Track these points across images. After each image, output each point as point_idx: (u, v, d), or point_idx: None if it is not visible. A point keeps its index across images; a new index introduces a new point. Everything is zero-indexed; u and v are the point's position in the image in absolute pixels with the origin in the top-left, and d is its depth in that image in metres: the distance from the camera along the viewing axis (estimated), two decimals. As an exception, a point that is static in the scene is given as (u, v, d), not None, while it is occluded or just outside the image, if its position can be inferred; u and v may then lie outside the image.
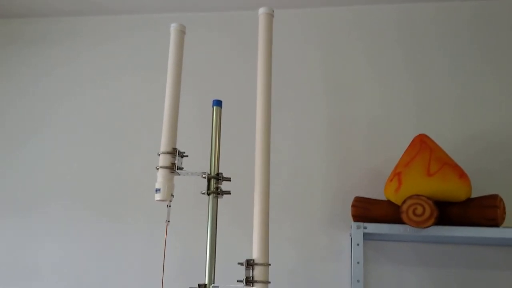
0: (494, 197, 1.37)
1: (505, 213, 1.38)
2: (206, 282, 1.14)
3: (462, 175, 1.38)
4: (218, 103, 1.28)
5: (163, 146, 1.20)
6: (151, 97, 1.84)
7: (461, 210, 1.38)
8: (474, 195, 1.43)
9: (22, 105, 1.94)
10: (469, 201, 1.39)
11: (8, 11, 2.01)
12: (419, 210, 1.34)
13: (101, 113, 1.88)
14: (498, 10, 1.74)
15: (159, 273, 1.19)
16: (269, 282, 1.08)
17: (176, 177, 1.20)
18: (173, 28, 1.30)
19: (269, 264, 1.09)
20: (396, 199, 1.41)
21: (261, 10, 1.25)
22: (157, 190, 1.17)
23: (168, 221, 1.18)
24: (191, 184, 1.35)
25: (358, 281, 1.36)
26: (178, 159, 1.20)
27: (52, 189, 1.81)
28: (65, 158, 1.84)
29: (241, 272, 1.07)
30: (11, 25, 2.05)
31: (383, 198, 1.50)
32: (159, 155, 1.20)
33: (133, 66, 1.92)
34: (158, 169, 1.19)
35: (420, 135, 1.49)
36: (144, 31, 1.95)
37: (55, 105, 1.92)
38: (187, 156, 1.22)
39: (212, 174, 1.21)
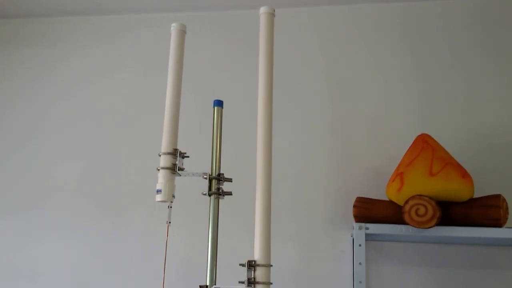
0: (497, 197, 1.36)
1: (508, 213, 1.37)
2: (208, 283, 1.14)
3: (464, 175, 1.38)
4: (219, 103, 1.27)
5: (164, 146, 1.20)
6: (151, 97, 1.84)
7: (463, 210, 1.38)
8: (476, 195, 1.42)
9: (20, 105, 1.94)
10: (471, 201, 1.39)
11: (4, 12, 2.00)
12: (422, 211, 1.33)
13: (101, 114, 1.87)
14: (503, 7, 1.73)
15: (160, 274, 1.18)
16: (271, 283, 1.08)
17: (177, 178, 1.19)
18: (173, 27, 1.29)
19: (271, 265, 1.09)
20: (398, 199, 1.41)
21: (262, 10, 1.24)
22: (158, 191, 1.16)
23: (169, 222, 1.17)
24: (192, 185, 1.35)
25: (360, 282, 1.35)
26: (179, 160, 1.19)
27: (51, 190, 1.81)
28: (65, 158, 1.84)
29: (243, 273, 1.07)
30: (8, 25, 2.04)
31: (385, 198, 1.49)
32: (160, 155, 1.19)
33: (133, 66, 1.91)
34: (159, 170, 1.18)
35: (422, 134, 1.49)
36: (145, 31, 1.95)
37: (54, 104, 1.91)
38: (188, 156, 1.22)
39: (213, 174, 1.20)
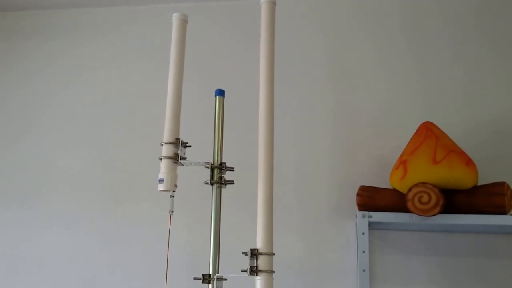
0: (502, 185, 1.35)
1: (512, 200, 1.36)
2: (211, 272, 1.14)
3: (468, 162, 1.37)
4: (220, 93, 1.27)
5: (166, 136, 1.20)
6: (153, 87, 1.83)
7: (467, 198, 1.37)
8: (481, 182, 1.41)
9: (22, 97, 1.94)
10: (476, 189, 1.38)
11: (8, 4, 2.00)
12: (425, 198, 1.33)
13: (103, 104, 1.87)
14: (505, -5, 1.72)
15: (163, 263, 1.19)
16: (274, 272, 1.08)
17: (179, 167, 1.19)
18: (175, 17, 1.29)
19: (273, 254, 1.09)
20: (402, 187, 1.40)
21: (263, -2, 1.24)
22: (161, 181, 1.16)
23: (172, 212, 1.18)
24: (194, 174, 1.34)
25: (364, 270, 1.35)
26: (181, 149, 1.19)
27: (55, 180, 1.81)
28: (68, 149, 1.84)
29: (246, 262, 1.07)
30: (10, 17, 2.04)
31: (389, 186, 1.49)
32: (162, 145, 1.19)
33: (135, 57, 1.91)
34: (161, 159, 1.18)
35: (425, 122, 1.48)
36: (146, 21, 1.94)
37: (58, 96, 1.92)
38: (190, 146, 1.22)
39: (216, 164, 1.21)
